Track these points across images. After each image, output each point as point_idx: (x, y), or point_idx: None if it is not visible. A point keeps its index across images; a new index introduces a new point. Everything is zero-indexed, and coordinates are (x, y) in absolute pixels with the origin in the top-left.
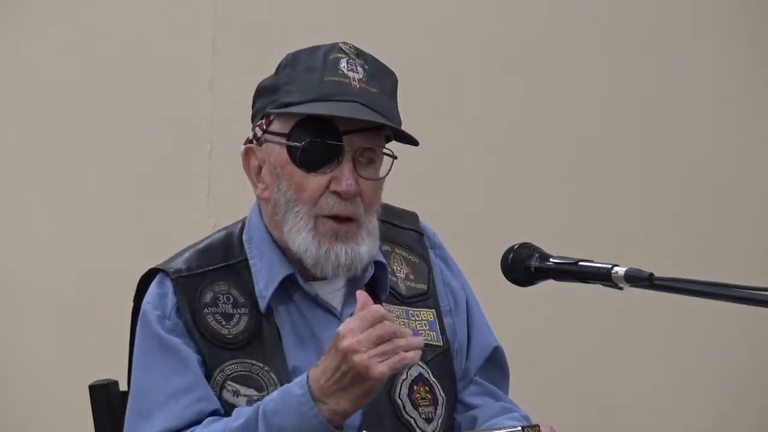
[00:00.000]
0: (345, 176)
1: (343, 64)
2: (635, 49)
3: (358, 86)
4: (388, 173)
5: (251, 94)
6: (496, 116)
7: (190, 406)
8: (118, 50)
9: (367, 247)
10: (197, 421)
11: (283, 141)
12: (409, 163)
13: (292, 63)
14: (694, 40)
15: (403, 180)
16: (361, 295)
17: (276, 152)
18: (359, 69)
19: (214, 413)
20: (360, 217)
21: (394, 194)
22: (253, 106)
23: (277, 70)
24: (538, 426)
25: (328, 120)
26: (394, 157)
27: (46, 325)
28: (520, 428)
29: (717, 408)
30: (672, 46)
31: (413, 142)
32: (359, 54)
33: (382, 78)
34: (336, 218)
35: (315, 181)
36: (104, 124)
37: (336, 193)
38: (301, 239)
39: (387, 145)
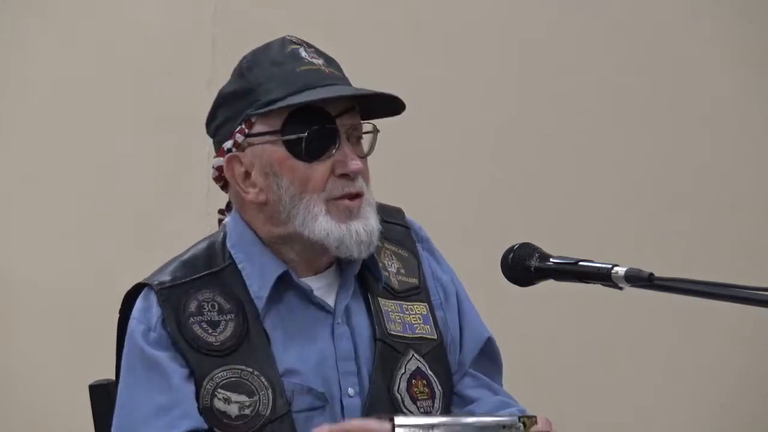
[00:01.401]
0: (349, 157)
1: (303, 53)
2: (636, 49)
3: (326, 70)
4: (373, 148)
5: None
6: (497, 116)
7: (170, 425)
8: (119, 50)
9: (374, 220)
10: None
11: (277, 138)
12: (409, 163)
13: (254, 63)
14: (694, 41)
15: (404, 180)
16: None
17: (269, 151)
18: (316, 55)
19: (195, 431)
20: (364, 192)
21: (395, 194)
22: (214, 117)
23: (240, 74)
24: (535, 417)
25: (318, 107)
26: (377, 131)
27: (46, 325)
28: (517, 417)
29: (716, 408)
30: (674, 45)
31: (392, 112)
32: (307, 43)
33: (333, 62)
34: (347, 196)
35: (319, 170)
36: (104, 123)
37: (342, 176)
38: (320, 224)
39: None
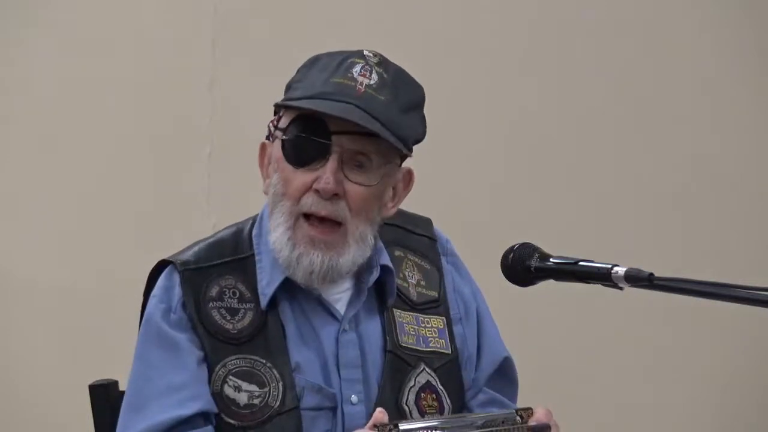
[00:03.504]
0: (326, 175)
1: (356, 68)
2: (636, 49)
3: (362, 90)
4: (382, 179)
5: (251, 94)
6: (497, 118)
7: (181, 403)
8: (119, 51)
9: (351, 256)
10: (187, 418)
11: (281, 136)
12: (409, 164)
13: (310, 63)
14: (695, 40)
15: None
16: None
17: (276, 147)
18: (373, 75)
19: (205, 413)
20: (344, 219)
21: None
22: None
23: (298, 69)
24: (531, 409)
25: (320, 118)
26: (389, 163)
27: (46, 325)
28: (514, 411)
29: (716, 407)
30: (674, 46)
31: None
32: (381, 63)
33: (400, 88)
34: (313, 219)
35: (300, 178)
36: (105, 124)
37: (317, 191)
38: (278, 235)
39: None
